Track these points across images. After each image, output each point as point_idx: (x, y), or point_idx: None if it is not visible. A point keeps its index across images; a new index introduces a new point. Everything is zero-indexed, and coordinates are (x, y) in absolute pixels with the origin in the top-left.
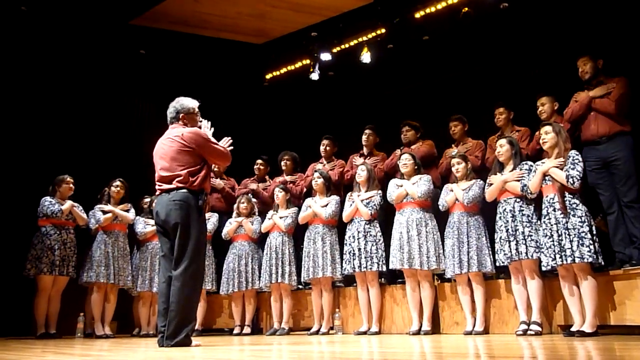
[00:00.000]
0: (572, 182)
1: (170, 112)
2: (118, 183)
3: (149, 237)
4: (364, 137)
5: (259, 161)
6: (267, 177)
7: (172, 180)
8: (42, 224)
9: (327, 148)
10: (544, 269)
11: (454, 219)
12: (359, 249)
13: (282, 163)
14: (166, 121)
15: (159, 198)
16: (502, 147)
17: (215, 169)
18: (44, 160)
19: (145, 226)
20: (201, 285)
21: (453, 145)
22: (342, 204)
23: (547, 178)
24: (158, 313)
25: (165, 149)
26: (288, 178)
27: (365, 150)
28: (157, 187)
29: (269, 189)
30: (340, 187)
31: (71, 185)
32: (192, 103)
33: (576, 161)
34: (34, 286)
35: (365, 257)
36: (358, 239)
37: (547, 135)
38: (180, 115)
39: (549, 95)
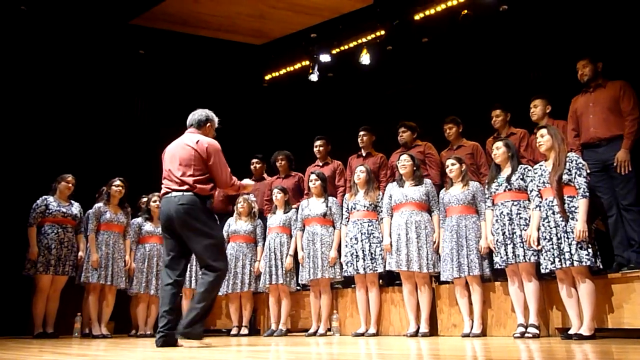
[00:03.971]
0: (583, 192)
1: (200, 115)
2: (118, 182)
3: (146, 238)
4: (359, 139)
5: (254, 160)
6: (265, 175)
7: (182, 184)
8: (41, 223)
9: (321, 148)
10: (542, 271)
11: (452, 222)
12: (362, 251)
13: (278, 164)
14: (165, 121)
15: (167, 199)
16: (498, 150)
17: None
18: (43, 160)
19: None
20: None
21: (443, 153)
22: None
23: (546, 181)
24: (160, 315)
25: (180, 152)
26: (286, 180)
27: (363, 152)
28: (164, 186)
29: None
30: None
31: (71, 185)
32: (216, 118)
33: (580, 165)
34: (32, 285)
35: (365, 259)
36: (361, 240)
37: (542, 138)
38: (208, 124)
39: (543, 98)
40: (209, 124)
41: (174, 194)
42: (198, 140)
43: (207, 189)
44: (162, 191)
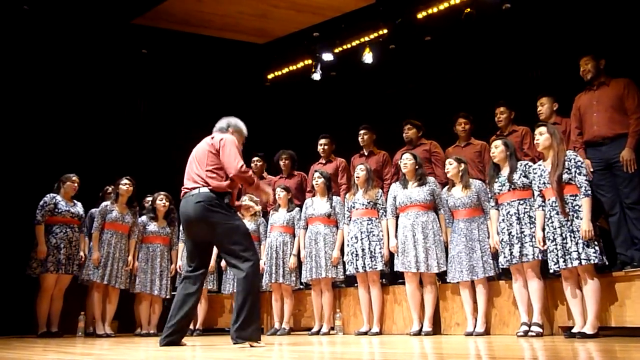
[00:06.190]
0: (585, 191)
1: (222, 122)
2: (126, 181)
3: (149, 238)
4: (359, 138)
5: (255, 158)
6: (265, 174)
7: (197, 181)
8: (49, 222)
9: (326, 147)
10: (550, 271)
11: (461, 226)
12: (362, 249)
13: (281, 163)
14: (167, 120)
15: (185, 200)
16: (496, 148)
17: None
18: (47, 159)
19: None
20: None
21: (449, 150)
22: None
23: (546, 181)
24: (169, 315)
25: (198, 152)
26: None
27: (364, 150)
28: (182, 188)
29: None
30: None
31: (75, 184)
32: (245, 129)
33: (579, 164)
34: (37, 285)
35: (367, 257)
36: (361, 239)
37: (541, 137)
38: (230, 129)
39: (549, 96)
40: (230, 129)
41: (191, 192)
42: (213, 137)
43: (223, 185)
44: (181, 193)
